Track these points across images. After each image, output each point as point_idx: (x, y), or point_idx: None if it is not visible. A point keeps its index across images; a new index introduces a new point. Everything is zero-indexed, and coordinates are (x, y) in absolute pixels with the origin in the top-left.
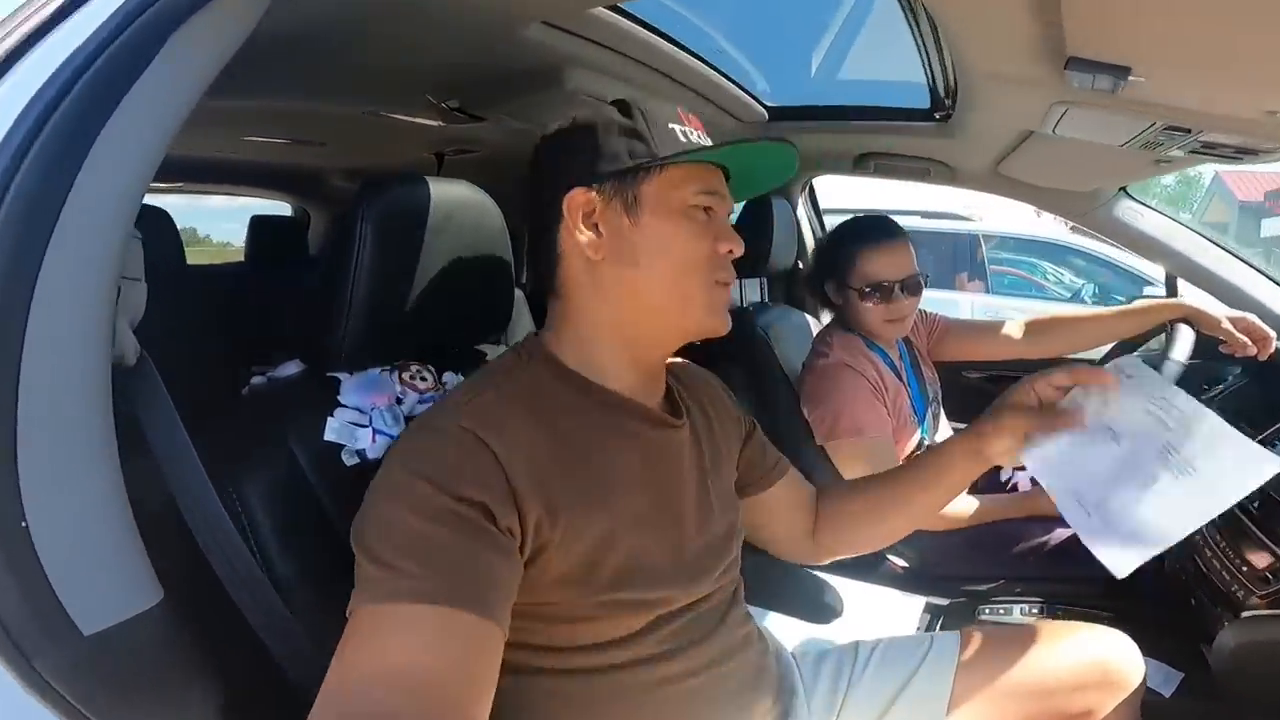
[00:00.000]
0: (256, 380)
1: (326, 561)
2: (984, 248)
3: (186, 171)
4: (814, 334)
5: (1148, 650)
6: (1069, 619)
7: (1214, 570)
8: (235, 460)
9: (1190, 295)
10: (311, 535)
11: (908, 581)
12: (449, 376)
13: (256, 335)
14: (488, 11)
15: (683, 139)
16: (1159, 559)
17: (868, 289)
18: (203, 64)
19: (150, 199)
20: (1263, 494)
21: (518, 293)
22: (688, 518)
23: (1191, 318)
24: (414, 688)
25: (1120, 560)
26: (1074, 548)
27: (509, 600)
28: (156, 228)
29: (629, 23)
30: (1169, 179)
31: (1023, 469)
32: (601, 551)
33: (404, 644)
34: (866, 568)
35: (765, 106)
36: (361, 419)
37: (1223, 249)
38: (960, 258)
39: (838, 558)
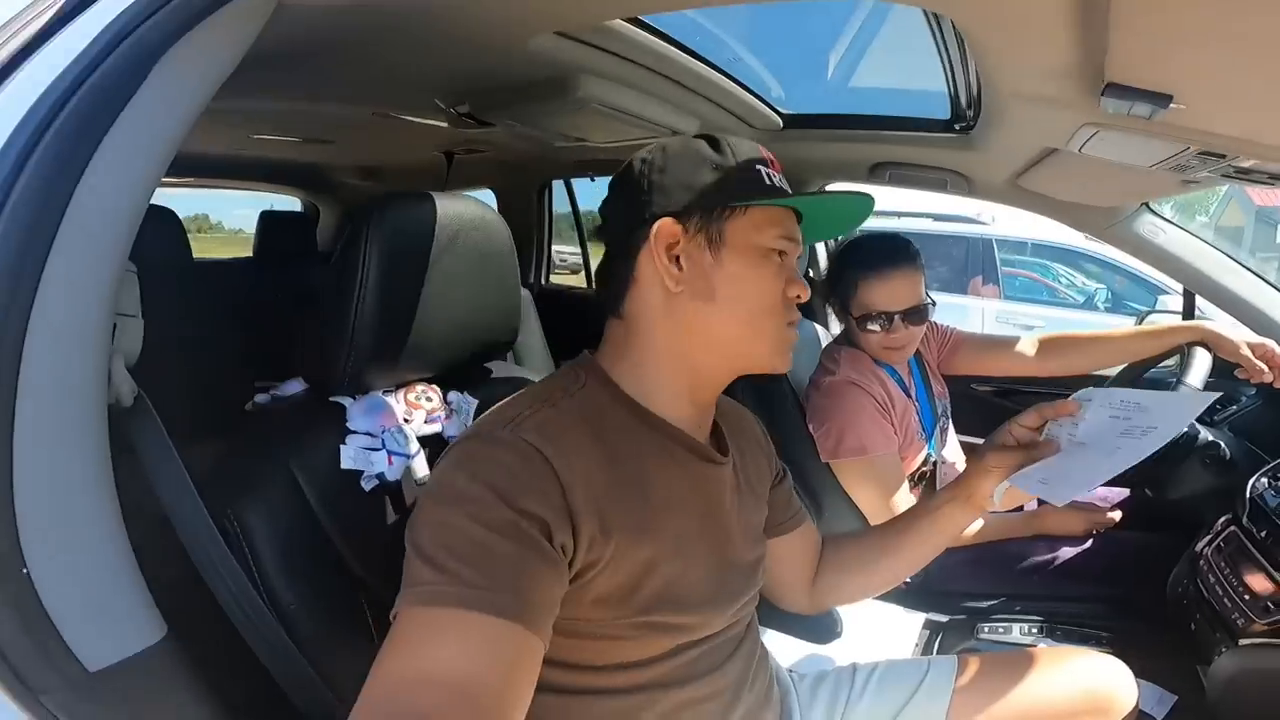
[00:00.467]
0: (260, 398)
1: (330, 589)
2: (998, 252)
3: (196, 168)
4: (824, 345)
5: (1143, 672)
6: (1068, 639)
7: (1215, 595)
8: (238, 488)
9: (1210, 316)
10: (315, 563)
11: (909, 597)
12: (454, 396)
13: (264, 332)
14: (499, 23)
15: (767, 181)
16: (1161, 583)
17: (867, 318)
18: (195, 86)
19: (159, 191)
20: (1270, 522)
21: (526, 293)
22: (724, 550)
23: (1209, 341)
24: (456, 693)
25: (1064, 493)
26: (1076, 569)
27: (552, 615)
28: (162, 227)
29: (641, 31)
30: None
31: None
32: (643, 575)
33: (450, 649)
34: None
35: (780, 114)
36: (374, 443)
37: (1245, 269)
38: (973, 262)
39: (829, 608)
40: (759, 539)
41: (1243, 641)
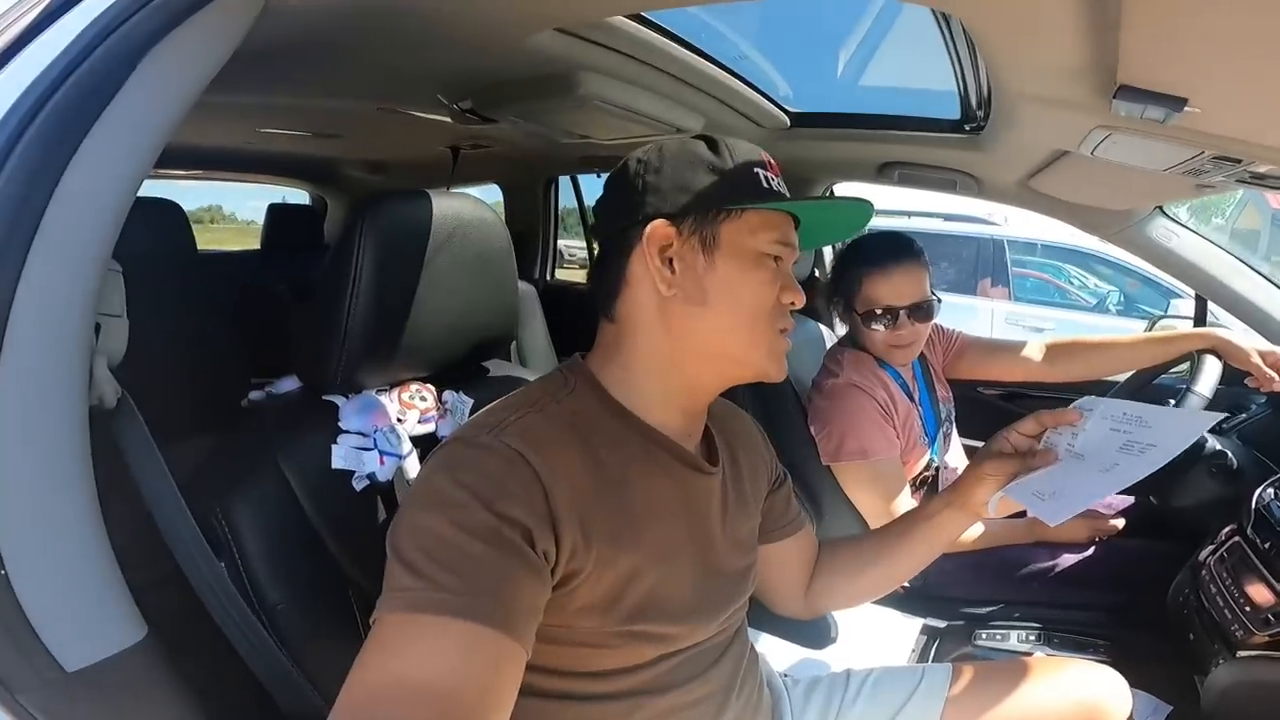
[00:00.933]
0: (255, 395)
1: (316, 588)
2: (1008, 253)
3: (206, 160)
4: (828, 346)
5: (1139, 681)
6: (1066, 647)
7: (1216, 606)
8: (226, 486)
9: (1223, 322)
10: (301, 562)
11: (907, 601)
12: (449, 395)
13: (266, 324)
14: (497, 20)
15: (764, 184)
16: (1163, 592)
17: (872, 314)
18: (181, 85)
19: (169, 182)
20: (1275, 533)
21: (530, 289)
22: (710, 560)
23: (1220, 349)
24: (435, 700)
25: (1057, 512)
26: (1077, 576)
27: (535, 622)
28: (166, 220)
29: (644, 29)
30: None
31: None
32: (626, 585)
33: (429, 656)
34: None
35: (787, 113)
36: (366, 443)
37: (1259, 274)
38: (983, 263)
39: (825, 612)
40: (749, 547)
41: (1241, 653)
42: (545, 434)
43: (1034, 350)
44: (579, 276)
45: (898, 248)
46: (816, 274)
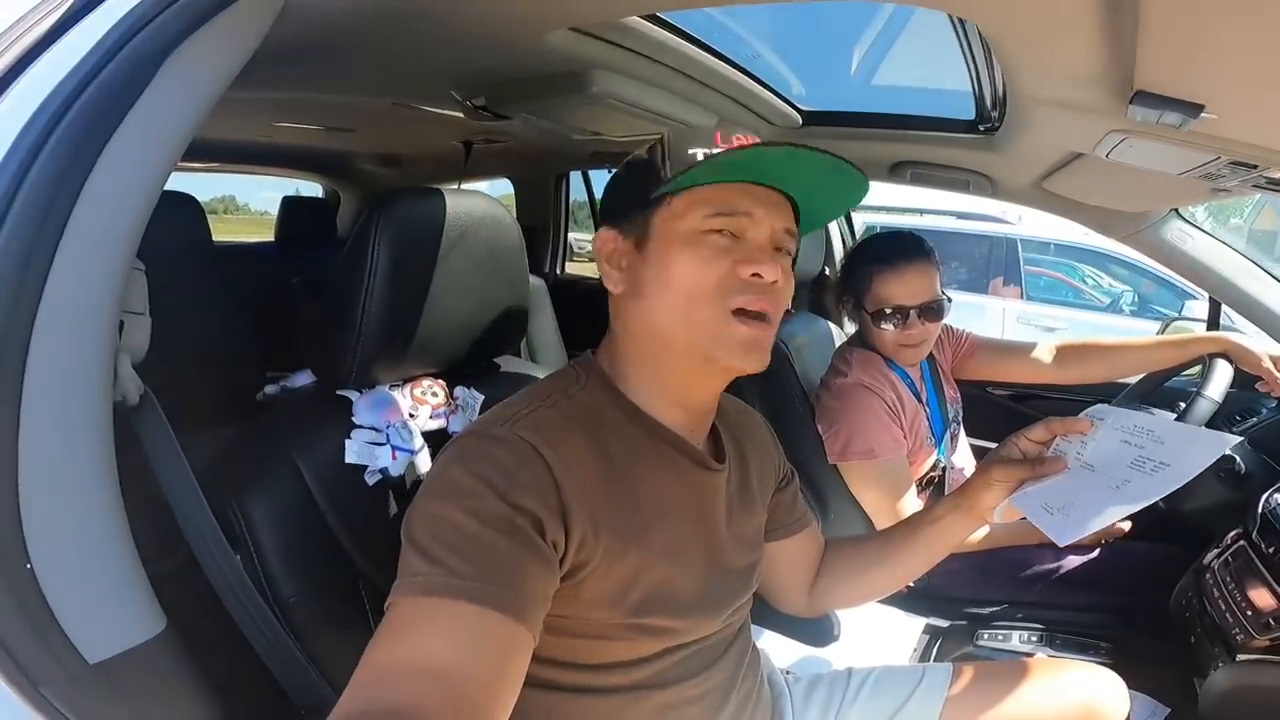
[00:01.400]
0: (270, 389)
1: (331, 582)
2: (1022, 253)
3: (221, 153)
4: (836, 344)
5: (1139, 684)
6: (1067, 648)
7: (1218, 609)
8: (242, 480)
9: (1237, 326)
10: (317, 556)
11: (911, 601)
12: (460, 391)
13: (281, 317)
14: (514, 19)
15: (697, 159)
16: (1166, 595)
17: (882, 313)
18: (203, 86)
19: (183, 173)
20: None
21: (540, 283)
22: (715, 557)
23: (1231, 353)
24: (443, 682)
25: (1065, 531)
26: (1081, 578)
27: (543, 611)
28: (183, 212)
29: (656, 28)
30: None
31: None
32: (633, 579)
33: (440, 638)
34: None
35: (800, 111)
36: (379, 438)
37: (1274, 279)
38: (995, 262)
39: (828, 611)
40: (754, 545)
41: (1240, 657)
42: (556, 428)
43: (1044, 351)
44: (590, 270)
45: (908, 247)
46: (826, 272)
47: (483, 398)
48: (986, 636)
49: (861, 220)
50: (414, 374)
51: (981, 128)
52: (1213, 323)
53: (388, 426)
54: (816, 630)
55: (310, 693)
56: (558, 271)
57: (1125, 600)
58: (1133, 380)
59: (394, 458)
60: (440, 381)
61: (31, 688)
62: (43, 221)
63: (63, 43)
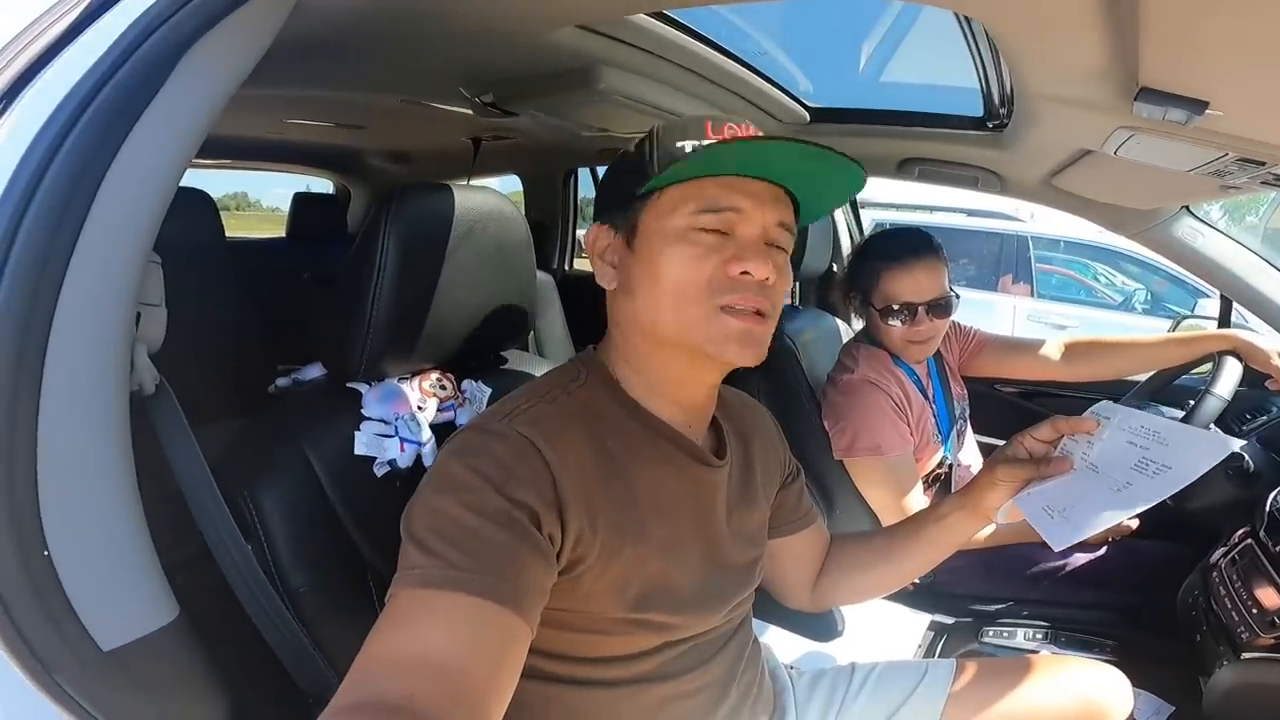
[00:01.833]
0: (282, 382)
1: (340, 573)
2: (1033, 250)
3: (233, 149)
4: (843, 340)
5: (1144, 682)
6: (1072, 646)
7: (1224, 607)
8: (254, 471)
9: (1249, 324)
10: (326, 547)
11: (916, 597)
12: (468, 384)
13: (292, 311)
14: (521, 16)
15: (685, 152)
16: (1172, 593)
17: (890, 309)
18: (218, 83)
19: (196, 171)
20: None
21: (548, 279)
22: (715, 553)
23: (1241, 351)
24: (439, 673)
25: (1064, 535)
26: (1088, 575)
27: (540, 604)
28: (196, 208)
29: (664, 25)
30: None
31: None
32: (631, 574)
33: (437, 630)
34: None
35: (807, 108)
36: (387, 430)
37: None
38: (1006, 259)
39: (831, 607)
40: (755, 541)
41: (1245, 655)
42: (555, 423)
43: (1052, 349)
44: None
45: (917, 243)
46: (834, 268)
47: (490, 391)
48: (991, 634)
49: (870, 217)
50: (422, 367)
51: (990, 124)
52: (1224, 321)
53: (396, 419)
54: (821, 625)
55: (318, 681)
56: (566, 267)
57: (1132, 599)
58: (1142, 378)
59: (402, 450)
60: (448, 375)
61: (45, 674)
62: (62, 216)
63: (80, 42)
